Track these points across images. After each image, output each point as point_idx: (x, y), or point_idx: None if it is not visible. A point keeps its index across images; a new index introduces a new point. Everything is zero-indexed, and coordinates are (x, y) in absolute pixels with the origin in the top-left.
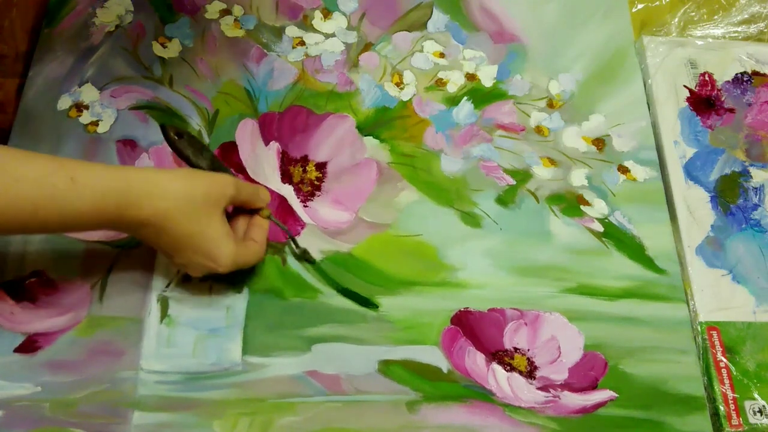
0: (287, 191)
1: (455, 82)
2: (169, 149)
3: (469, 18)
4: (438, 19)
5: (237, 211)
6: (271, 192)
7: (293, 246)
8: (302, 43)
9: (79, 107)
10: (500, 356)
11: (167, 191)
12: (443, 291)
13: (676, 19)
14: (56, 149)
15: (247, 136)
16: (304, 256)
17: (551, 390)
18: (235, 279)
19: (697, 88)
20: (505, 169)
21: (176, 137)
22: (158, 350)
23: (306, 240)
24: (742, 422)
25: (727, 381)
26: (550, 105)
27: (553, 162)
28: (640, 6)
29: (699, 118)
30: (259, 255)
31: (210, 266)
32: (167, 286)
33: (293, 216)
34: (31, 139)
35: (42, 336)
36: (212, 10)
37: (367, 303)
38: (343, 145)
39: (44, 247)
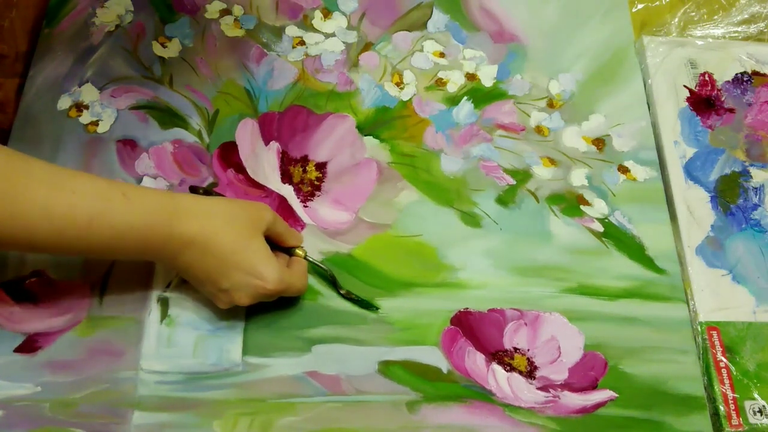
0: (287, 191)
1: (455, 81)
2: (169, 149)
3: (469, 18)
4: (438, 19)
5: (273, 250)
6: (271, 192)
7: (336, 287)
8: (302, 42)
9: (79, 107)
10: (500, 356)
11: (212, 210)
12: (443, 291)
13: (676, 19)
14: (56, 149)
15: (247, 135)
16: (348, 296)
17: (551, 390)
18: None
19: (697, 88)
20: (505, 169)
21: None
22: (158, 350)
23: (306, 240)
24: (742, 422)
25: (727, 381)
26: (550, 105)
27: (553, 162)
28: (640, 6)
29: (699, 118)
30: (304, 280)
31: (257, 284)
32: (167, 286)
33: (293, 216)
34: (31, 139)
35: (42, 336)
36: (212, 10)
37: (368, 307)
38: (343, 145)
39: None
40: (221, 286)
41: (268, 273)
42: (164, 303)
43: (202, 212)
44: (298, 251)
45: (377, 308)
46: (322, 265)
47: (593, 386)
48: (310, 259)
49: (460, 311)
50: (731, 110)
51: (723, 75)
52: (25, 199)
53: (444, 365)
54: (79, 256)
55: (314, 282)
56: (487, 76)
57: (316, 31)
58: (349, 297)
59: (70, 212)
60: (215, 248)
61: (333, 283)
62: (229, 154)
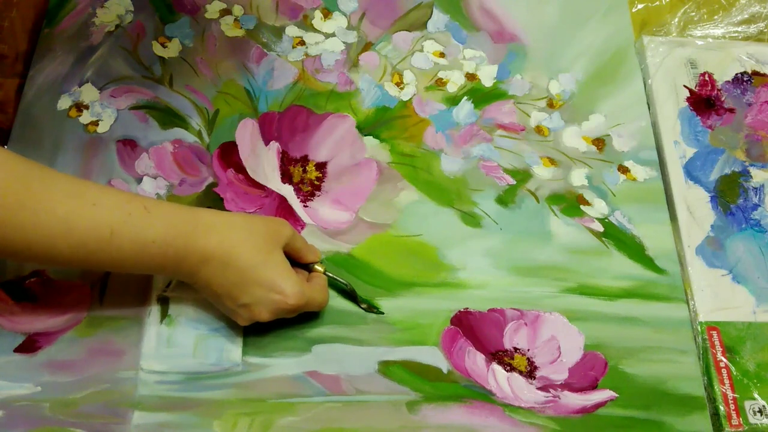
0: (287, 191)
1: (455, 81)
2: (169, 149)
3: (469, 18)
4: (438, 18)
5: (293, 266)
6: (271, 192)
7: (356, 302)
8: (302, 42)
9: (79, 107)
10: (500, 356)
11: (231, 225)
12: (443, 291)
13: (676, 19)
14: (56, 149)
15: (247, 135)
16: (370, 310)
17: (551, 390)
18: None
19: (697, 88)
20: (505, 169)
21: None
22: (158, 350)
23: (306, 240)
24: (742, 422)
25: (727, 381)
26: (550, 105)
27: (553, 162)
28: (640, 6)
29: (699, 118)
30: (324, 294)
31: (278, 299)
32: (167, 286)
33: (293, 216)
34: (31, 139)
35: (42, 336)
36: (212, 10)
37: (370, 309)
38: (343, 145)
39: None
40: (241, 302)
41: (289, 288)
42: (164, 303)
43: (221, 226)
44: (317, 267)
45: (383, 313)
46: (342, 280)
47: (593, 386)
48: (330, 275)
49: (460, 311)
50: (731, 110)
51: (723, 75)
52: (46, 210)
53: (444, 365)
54: (99, 270)
55: (332, 293)
56: (487, 76)
57: (316, 31)
58: (370, 310)
59: (91, 225)
60: (235, 263)
61: (353, 297)
62: (229, 154)
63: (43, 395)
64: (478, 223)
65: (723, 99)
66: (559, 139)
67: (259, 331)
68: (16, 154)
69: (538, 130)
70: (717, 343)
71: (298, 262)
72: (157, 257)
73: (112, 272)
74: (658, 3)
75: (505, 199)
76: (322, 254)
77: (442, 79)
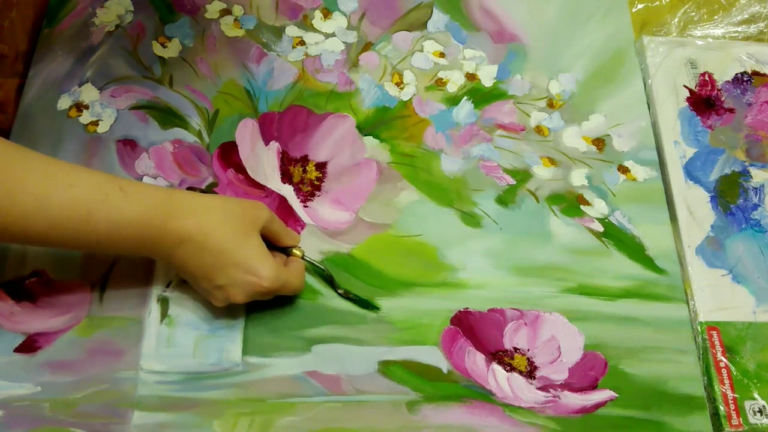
0: (287, 191)
1: (455, 81)
2: (169, 149)
3: (469, 18)
4: (438, 18)
5: (270, 249)
6: (271, 192)
7: (333, 287)
8: (302, 42)
9: (79, 107)
10: (500, 356)
11: (208, 206)
12: (443, 291)
13: (676, 19)
14: (56, 149)
15: (247, 135)
16: (347, 296)
17: (551, 390)
18: None
19: (697, 88)
20: (505, 169)
21: None
22: (158, 350)
23: (306, 240)
24: (742, 422)
25: (727, 381)
26: (550, 105)
27: (553, 162)
28: (640, 6)
29: (699, 118)
30: (300, 278)
31: (253, 281)
32: (167, 286)
33: (293, 216)
34: (31, 138)
35: (42, 336)
36: (212, 10)
37: (367, 306)
38: (343, 145)
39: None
40: (216, 283)
41: (264, 270)
42: (164, 303)
43: (198, 208)
44: (295, 251)
45: (377, 308)
46: (320, 265)
47: (593, 386)
48: (308, 259)
49: (460, 311)
50: (731, 110)
51: (723, 75)
52: (22, 190)
53: (444, 365)
54: (75, 250)
55: (314, 282)
56: (487, 76)
57: (316, 31)
58: (347, 296)
59: (67, 205)
60: (211, 244)
61: (330, 282)
62: (229, 154)
63: (43, 395)
64: (478, 223)
65: (723, 99)
66: (559, 139)
67: (259, 331)
68: None
69: (538, 130)
70: (717, 343)
71: (276, 246)
72: (134, 238)
73: (113, 271)
74: (658, 3)
75: (505, 199)
76: (322, 254)
77: (442, 79)
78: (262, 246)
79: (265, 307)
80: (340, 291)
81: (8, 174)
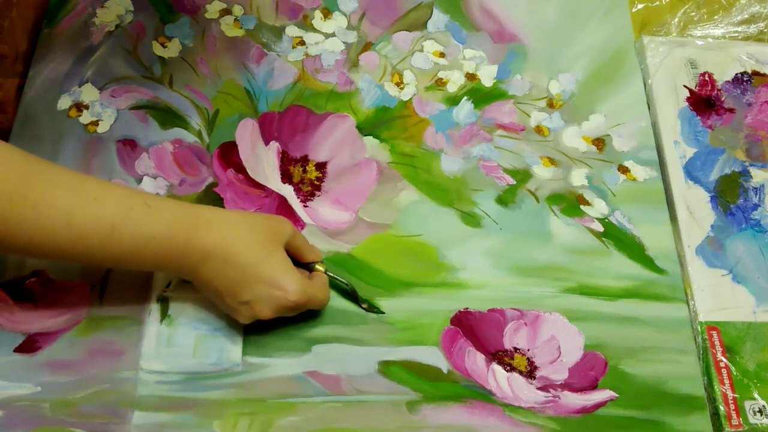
0: (287, 191)
1: (455, 81)
2: (169, 149)
3: (469, 18)
4: (438, 18)
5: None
6: (271, 192)
7: (357, 302)
8: (302, 42)
9: (79, 107)
10: (500, 356)
11: (232, 222)
12: (443, 291)
13: (676, 19)
14: (56, 149)
15: (247, 136)
16: (371, 310)
17: (551, 390)
18: None
19: (697, 88)
20: (505, 169)
21: None
22: (158, 350)
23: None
24: (742, 422)
25: (727, 381)
26: (550, 105)
27: (553, 162)
28: (640, 6)
29: (699, 118)
30: (326, 292)
31: (279, 296)
32: (167, 286)
33: (293, 216)
34: (32, 139)
35: (42, 336)
36: (212, 10)
37: (370, 309)
38: (343, 145)
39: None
40: (242, 299)
41: (290, 284)
42: (164, 303)
43: (222, 223)
44: (318, 266)
45: (383, 312)
46: (343, 280)
47: (593, 386)
48: (331, 274)
49: (460, 311)
50: (731, 110)
51: (723, 75)
52: (47, 204)
53: (444, 365)
54: (100, 266)
55: None
56: (487, 76)
57: (316, 31)
58: (371, 310)
59: (92, 219)
60: (236, 260)
61: (354, 297)
62: (229, 154)
63: (43, 395)
64: (478, 223)
65: (723, 99)
66: (559, 139)
67: (259, 331)
68: (17, 148)
69: (538, 130)
70: (717, 343)
71: (299, 261)
72: (158, 253)
73: (113, 271)
74: (658, 3)
75: (505, 199)
76: (322, 254)
77: (442, 79)
78: (286, 260)
79: None
80: (363, 306)
81: (33, 187)
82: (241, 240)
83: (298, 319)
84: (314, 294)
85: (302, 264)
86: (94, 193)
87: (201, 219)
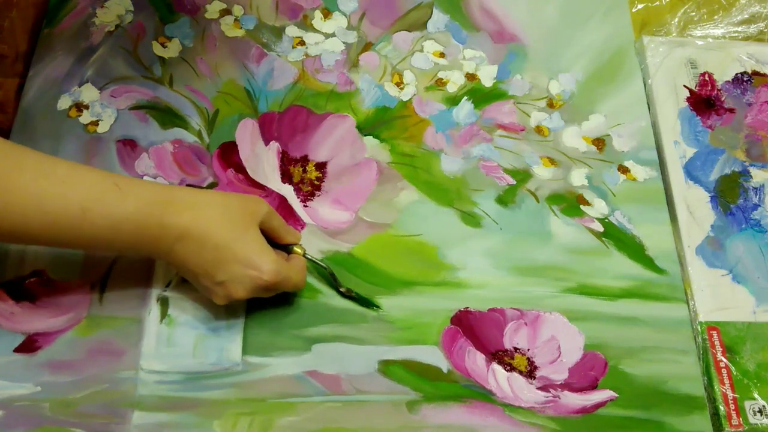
0: (287, 191)
1: (455, 82)
2: (169, 149)
3: (469, 18)
4: (438, 19)
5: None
6: (271, 192)
7: (335, 285)
8: (302, 42)
9: (79, 107)
10: (500, 356)
11: (206, 202)
12: (443, 291)
13: (676, 19)
14: (56, 149)
15: (247, 135)
16: (348, 294)
17: (551, 390)
18: None
19: (697, 88)
20: (505, 169)
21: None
22: (158, 350)
23: (306, 240)
24: (742, 422)
25: (727, 381)
26: (550, 105)
27: (553, 162)
28: (640, 6)
29: (699, 118)
30: (301, 274)
31: (253, 275)
32: (167, 286)
33: (293, 216)
34: (31, 138)
35: (42, 336)
36: (212, 10)
37: (368, 305)
38: (343, 144)
39: (44, 246)
40: (217, 279)
41: (265, 264)
42: (164, 303)
43: (196, 203)
44: (296, 249)
45: (378, 306)
46: (321, 263)
47: (593, 386)
48: (309, 257)
49: (460, 311)
50: (731, 110)
51: (723, 75)
52: (17, 188)
53: (444, 365)
54: (75, 249)
55: (314, 281)
56: (487, 76)
57: (316, 31)
58: (348, 295)
59: (63, 202)
60: (210, 240)
61: (332, 280)
62: (229, 154)
63: (43, 395)
64: (478, 223)
65: (723, 99)
66: (559, 139)
67: (259, 331)
68: None
69: (538, 130)
70: (717, 343)
71: (277, 243)
72: (132, 235)
73: (113, 271)
74: (658, 3)
75: (505, 199)
76: (322, 253)
77: (442, 79)
78: (261, 240)
79: (265, 306)
80: (342, 289)
81: (3, 172)
82: (215, 220)
83: (298, 318)
84: (289, 275)
85: (281, 246)
86: (63, 177)
87: (174, 199)
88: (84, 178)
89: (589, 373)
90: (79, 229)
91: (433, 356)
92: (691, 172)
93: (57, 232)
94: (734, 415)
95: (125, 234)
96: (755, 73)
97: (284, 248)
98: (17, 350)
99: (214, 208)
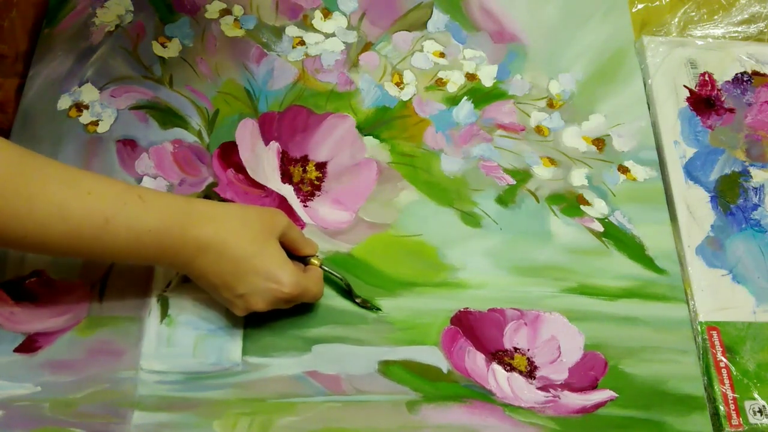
0: (287, 191)
1: (455, 81)
2: (169, 149)
3: (469, 18)
4: (438, 18)
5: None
6: (271, 192)
7: (351, 297)
8: (302, 42)
9: (79, 107)
10: (500, 356)
11: (226, 214)
12: (443, 291)
13: (676, 19)
14: (56, 149)
15: (247, 135)
16: (364, 305)
17: (551, 390)
18: None
19: (697, 88)
20: (505, 169)
21: None
22: (158, 350)
23: None
24: (742, 422)
25: (727, 381)
26: (550, 105)
27: (553, 162)
28: (640, 6)
29: (699, 118)
30: (320, 285)
31: (273, 288)
32: (167, 286)
33: (293, 216)
34: (31, 139)
35: (42, 336)
36: (212, 10)
37: (364, 303)
38: (343, 144)
39: None
40: (237, 292)
41: (285, 277)
42: (164, 303)
43: (216, 216)
44: (314, 260)
45: (380, 309)
46: (338, 274)
47: (593, 386)
48: (326, 269)
49: (460, 311)
50: (731, 110)
51: (723, 75)
52: (41, 198)
53: (444, 365)
54: (95, 260)
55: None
56: (487, 76)
57: (316, 31)
58: (365, 306)
59: (86, 213)
60: (230, 252)
61: (348, 292)
62: (229, 154)
63: (43, 395)
64: (478, 223)
65: (723, 99)
66: (559, 139)
67: (259, 331)
68: (11, 143)
69: (538, 130)
70: (717, 343)
71: (294, 254)
72: (153, 247)
73: (113, 271)
74: (658, 3)
75: (505, 199)
76: (322, 254)
77: (442, 79)
78: (281, 252)
79: None
80: (358, 300)
81: (28, 181)
82: (235, 233)
83: (298, 319)
84: (308, 287)
85: (298, 257)
86: (88, 187)
87: (195, 212)
88: (108, 190)
89: (589, 373)
90: (100, 239)
91: (433, 356)
92: (691, 172)
93: (78, 242)
94: (734, 415)
95: (146, 245)
96: (755, 73)
97: (301, 259)
98: (17, 350)
99: (234, 220)
